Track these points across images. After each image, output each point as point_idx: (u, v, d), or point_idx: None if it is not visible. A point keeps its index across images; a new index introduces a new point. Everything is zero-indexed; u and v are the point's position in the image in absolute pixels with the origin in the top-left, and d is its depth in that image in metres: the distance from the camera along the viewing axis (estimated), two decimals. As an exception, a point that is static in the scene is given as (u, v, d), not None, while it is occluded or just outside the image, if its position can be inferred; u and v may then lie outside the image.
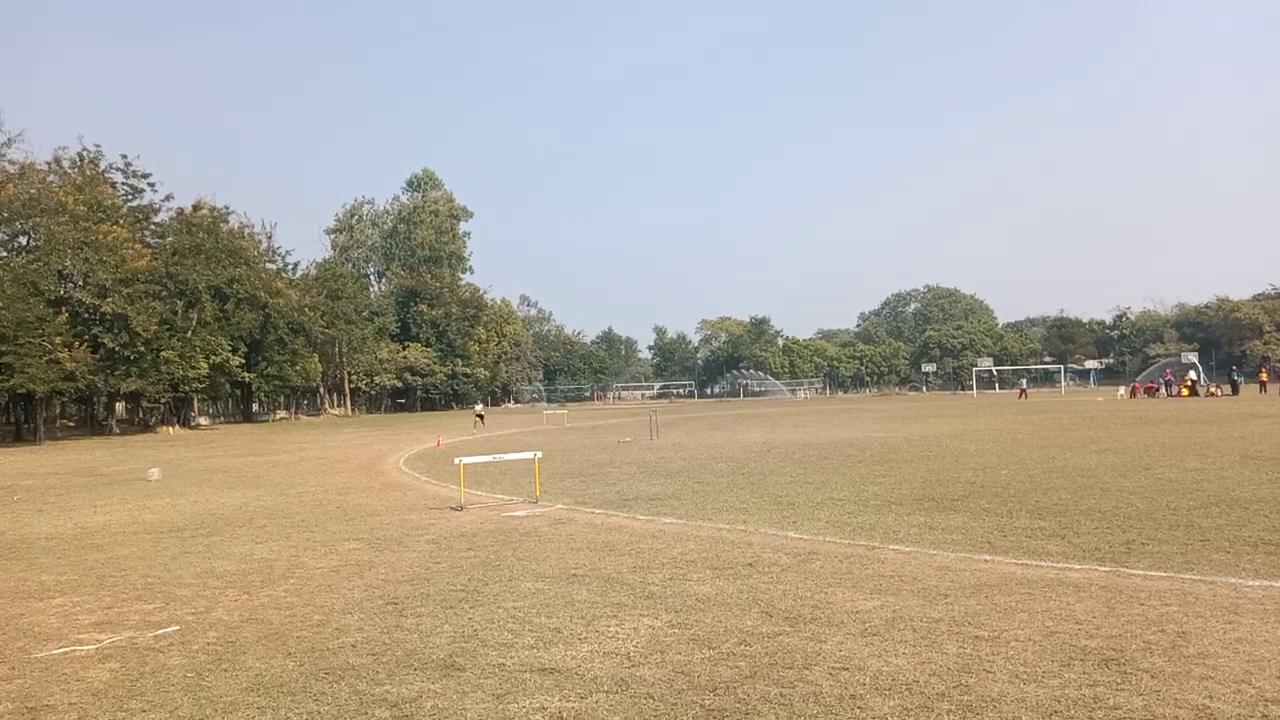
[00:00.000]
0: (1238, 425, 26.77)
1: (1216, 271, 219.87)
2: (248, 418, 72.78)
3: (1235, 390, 57.70)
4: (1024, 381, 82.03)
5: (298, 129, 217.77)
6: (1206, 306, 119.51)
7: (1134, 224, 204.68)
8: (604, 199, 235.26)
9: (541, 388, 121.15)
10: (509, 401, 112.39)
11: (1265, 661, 5.34)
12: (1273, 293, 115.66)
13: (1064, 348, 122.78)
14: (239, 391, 71.54)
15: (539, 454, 15.42)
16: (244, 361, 62.52)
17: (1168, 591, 7.13)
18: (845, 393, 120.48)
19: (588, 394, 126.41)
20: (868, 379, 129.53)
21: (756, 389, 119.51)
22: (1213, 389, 59.40)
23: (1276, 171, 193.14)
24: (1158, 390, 63.54)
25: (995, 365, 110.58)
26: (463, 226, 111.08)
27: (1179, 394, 57.69)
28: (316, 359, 73.60)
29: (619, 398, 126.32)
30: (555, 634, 6.49)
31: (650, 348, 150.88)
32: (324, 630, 6.86)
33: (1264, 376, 64.25)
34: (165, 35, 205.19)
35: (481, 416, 46.51)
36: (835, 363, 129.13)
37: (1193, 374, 64.52)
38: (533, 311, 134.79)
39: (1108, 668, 5.34)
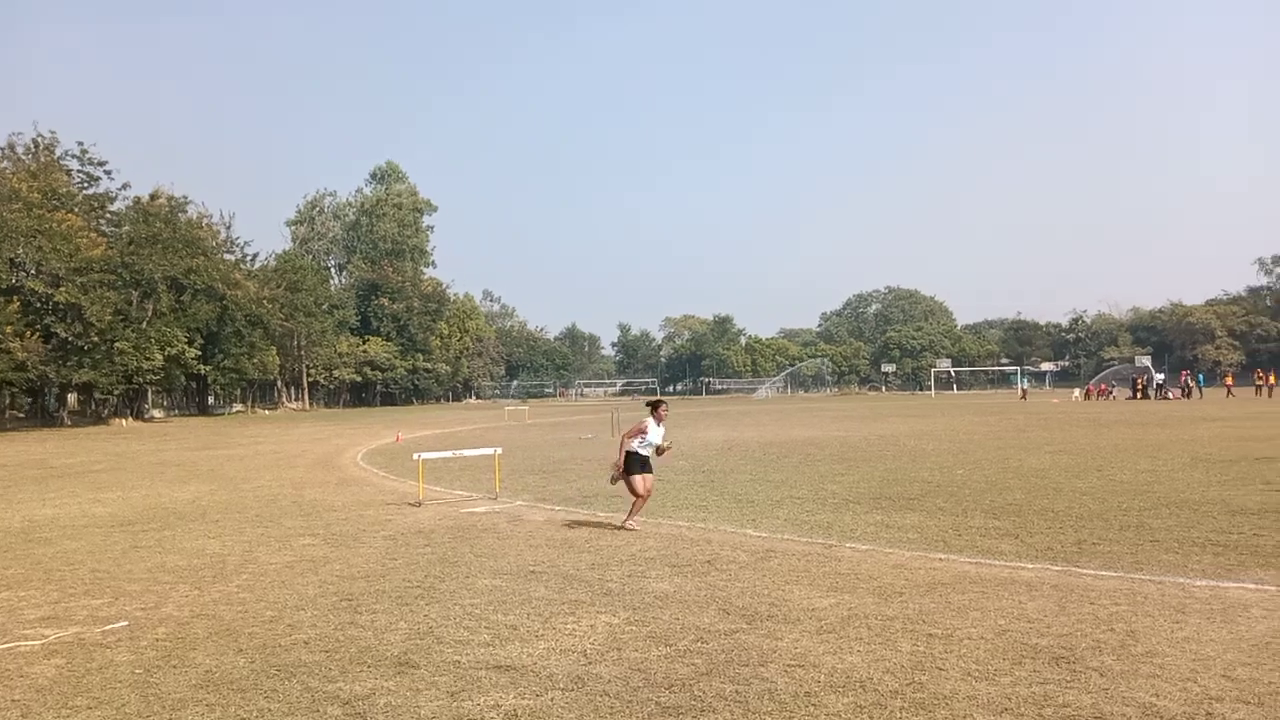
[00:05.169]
0: (1188, 428, 27.32)
1: (1170, 277, 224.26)
2: (203, 411, 71.72)
3: (1187, 394, 58.88)
4: (1025, 381, 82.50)
5: (260, 118, 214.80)
6: (1160, 311, 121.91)
7: (1090, 228, 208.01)
8: (570, 196, 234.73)
9: (506, 384, 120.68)
10: (470, 397, 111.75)
11: (1211, 660, 5.44)
12: (1224, 298, 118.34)
13: (1021, 350, 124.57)
14: (194, 384, 70.48)
15: (499, 450, 15.34)
16: (200, 354, 61.56)
17: (1118, 591, 7.25)
18: (806, 392, 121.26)
19: (550, 390, 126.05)
20: (829, 378, 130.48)
21: (719, 387, 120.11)
22: (1167, 392, 60.62)
23: (1227, 178, 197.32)
24: (1110, 393, 64.78)
25: (953, 366, 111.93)
26: (426, 220, 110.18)
27: (1171, 396, 58.34)
28: (274, 352, 72.75)
29: (582, 395, 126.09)
30: (512, 631, 6.45)
31: (614, 345, 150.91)
32: (276, 627, 6.77)
33: (1229, 381, 65.67)
34: (124, 17, 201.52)
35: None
36: (797, 361, 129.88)
37: (1159, 377, 65.84)
38: (496, 307, 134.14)
39: (1058, 666, 5.41)
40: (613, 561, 8.88)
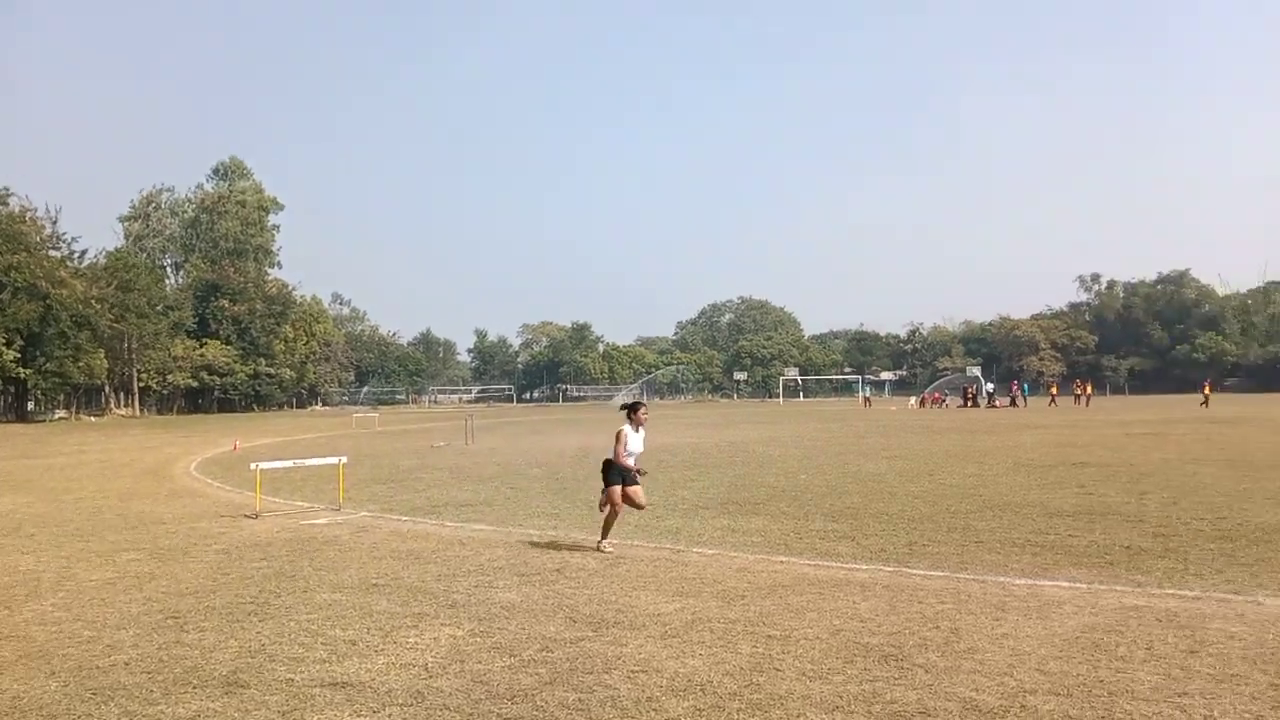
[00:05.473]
0: (1013, 435, 29.08)
1: (1000, 292, 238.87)
2: (21, 417, 66.62)
3: (1014, 402, 62.75)
4: (868, 390, 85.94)
5: (94, 108, 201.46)
6: (990, 324, 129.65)
7: (927, 244, 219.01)
8: (428, 199, 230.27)
9: (355, 390, 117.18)
10: (316, 404, 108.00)
11: (1026, 655, 5.78)
12: (1048, 313, 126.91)
13: (863, 359, 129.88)
14: (12, 389, 65.60)
15: (343, 459, 14.87)
16: (19, 356, 57.34)
17: (944, 590, 7.64)
18: (662, 399, 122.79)
19: (402, 397, 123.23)
20: (683, 386, 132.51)
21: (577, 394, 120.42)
22: (995, 401, 64.47)
23: (1053, 195, 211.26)
24: (943, 401, 68.42)
25: (801, 375, 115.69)
26: (272, 219, 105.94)
27: (998, 405, 62.05)
28: (102, 355, 68.46)
29: (435, 401, 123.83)
30: (350, 646, 6.26)
31: (470, 350, 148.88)
32: (94, 647, 6.35)
33: (1054, 391, 70.38)
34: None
35: None
36: (654, 369, 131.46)
37: (989, 387, 69.89)
38: (345, 310, 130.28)
39: (887, 664, 5.66)
40: (459, 572, 8.75)
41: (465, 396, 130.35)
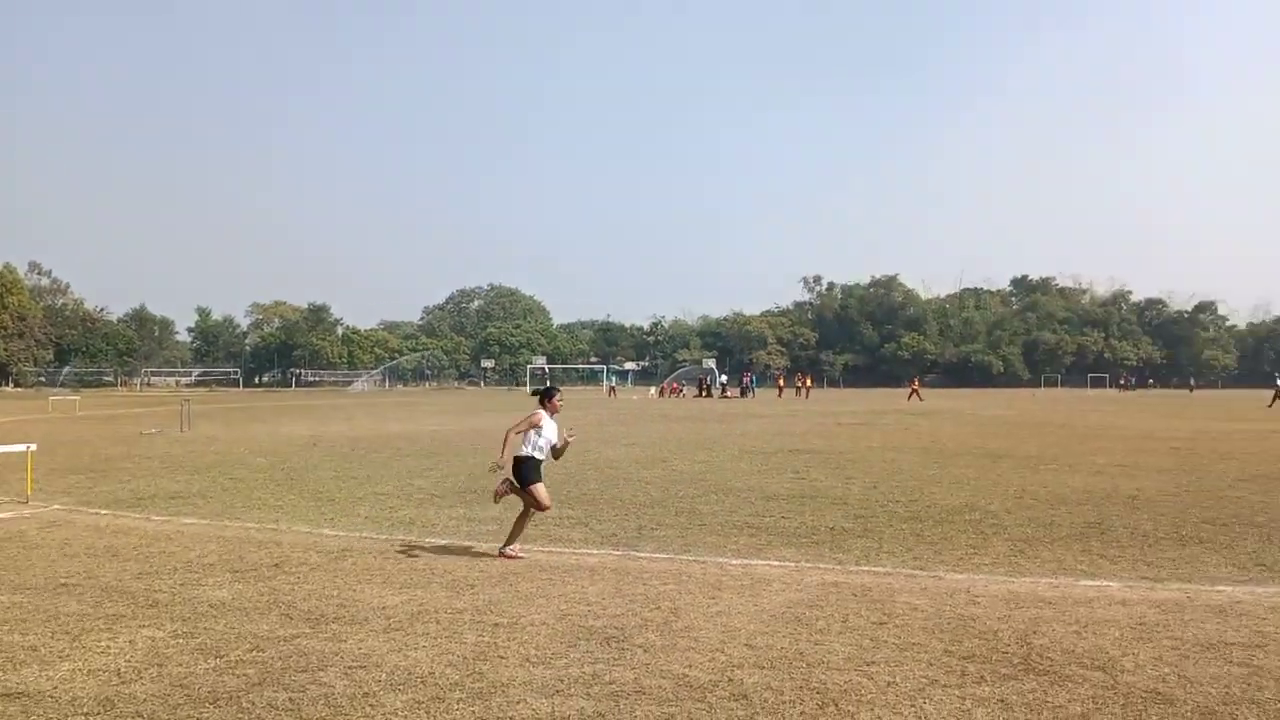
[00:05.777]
0: (740, 424, 30.81)
1: (733, 289, 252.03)
2: None
3: (744, 393, 66.52)
4: (614, 380, 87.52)
5: None
6: (725, 319, 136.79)
7: (671, 240, 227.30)
8: (147, 158, 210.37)
9: (55, 370, 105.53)
10: (7, 385, 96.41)
11: (737, 631, 6.14)
12: (776, 310, 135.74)
13: (609, 349, 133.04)
14: None
15: (33, 446, 13.35)
16: None
17: (667, 572, 7.96)
18: (405, 385, 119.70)
19: (110, 379, 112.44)
20: (429, 372, 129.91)
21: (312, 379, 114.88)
22: (726, 391, 68.06)
23: (785, 199, 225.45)
24: (681, 391, 71.51)
25: (548, 363, 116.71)
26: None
27: (729, 395, 65.39)
28: None
29: (149, 384, 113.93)
30: (30, 653, 5.64)
31: (190, 330, 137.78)
32: None
33: (780, 383, 75.07)
34: None
35: None
36: (398, 355, 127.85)
37: (723, 378, 73.57)
38: (45, 281, 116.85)
39: (608, 645, 5.82)
40: (164, 570, 8.09)
41: (184, 380, 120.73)
